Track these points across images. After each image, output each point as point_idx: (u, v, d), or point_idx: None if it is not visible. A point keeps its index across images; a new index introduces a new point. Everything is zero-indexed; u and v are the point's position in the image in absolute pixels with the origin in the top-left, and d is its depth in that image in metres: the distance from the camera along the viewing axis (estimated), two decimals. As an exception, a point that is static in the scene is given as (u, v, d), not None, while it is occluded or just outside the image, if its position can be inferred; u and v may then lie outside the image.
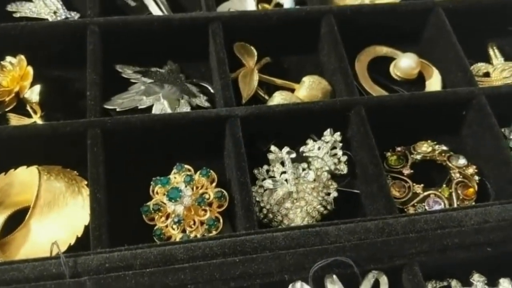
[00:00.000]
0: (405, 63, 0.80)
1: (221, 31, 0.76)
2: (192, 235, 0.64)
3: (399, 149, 0.73)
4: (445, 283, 0.62)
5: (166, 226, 0.65)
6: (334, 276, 0.58)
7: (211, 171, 0.67)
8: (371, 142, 0.68)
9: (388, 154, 0.73)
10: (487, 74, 0.82)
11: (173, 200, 0.64)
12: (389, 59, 0.83)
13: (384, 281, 0.58)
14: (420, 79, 0.81)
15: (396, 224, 0.60)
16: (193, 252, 0.57)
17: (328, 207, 0.67)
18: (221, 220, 0.65)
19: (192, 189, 0.66)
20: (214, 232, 0.64)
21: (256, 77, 0.77)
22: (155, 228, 0.65)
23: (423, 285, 0.57)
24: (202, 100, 0.76)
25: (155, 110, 0.74)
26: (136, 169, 0.70)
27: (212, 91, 0.78)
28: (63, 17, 0.82)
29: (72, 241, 0.62)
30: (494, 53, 0.84)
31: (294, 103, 0.72)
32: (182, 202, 0.64)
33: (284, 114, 0.70)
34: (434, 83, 0.80)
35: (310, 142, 0.72)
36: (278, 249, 0.58)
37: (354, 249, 0.58)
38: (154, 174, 0.68)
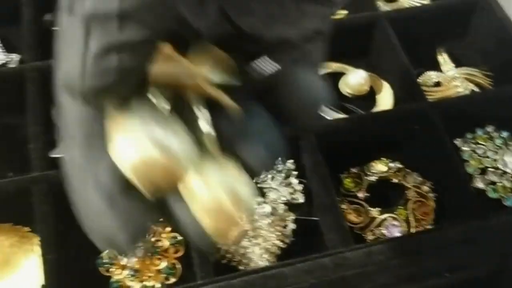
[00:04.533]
0: (353, 80, 0.79)
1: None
2: (150, 285, 0.63)
3: (354, 170, 0.73)
4: (409, 310, 0.62)
5: (124, 278, 0.64)
6: (294, 319, 0.57)
7: (164, 216, 0.66)
8: (323, 170, 0.67)
9: (344, 176, 0.72)
10: (438, 84, 0.81)
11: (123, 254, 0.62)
12: (338, 75, 0.82)
13: (345, 318, 0.58)
14: (372, 93, 0.80)
15: (353, 258, 0.59)
16: (147, 309, 0.56)
17: (286, 240, 0.66)
18: (177, 267, 0.64)
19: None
20: (172, 280, 0.63)
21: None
22: (111, 280, 0.63)
23: (383, 319, 0.57)
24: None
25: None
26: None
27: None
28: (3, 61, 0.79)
29: (29, 303, 0.61)
30: (444, 59, 0.83)
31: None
32: (134, 253, 0.63)
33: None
34: (384, 97, 0.79)
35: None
36: (236, 297, 0.57)
37: (312, 289, 0.58)
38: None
